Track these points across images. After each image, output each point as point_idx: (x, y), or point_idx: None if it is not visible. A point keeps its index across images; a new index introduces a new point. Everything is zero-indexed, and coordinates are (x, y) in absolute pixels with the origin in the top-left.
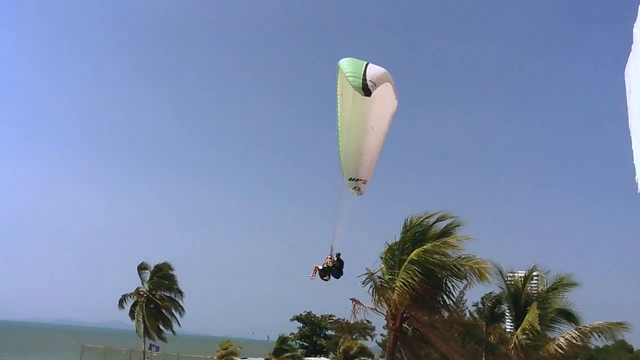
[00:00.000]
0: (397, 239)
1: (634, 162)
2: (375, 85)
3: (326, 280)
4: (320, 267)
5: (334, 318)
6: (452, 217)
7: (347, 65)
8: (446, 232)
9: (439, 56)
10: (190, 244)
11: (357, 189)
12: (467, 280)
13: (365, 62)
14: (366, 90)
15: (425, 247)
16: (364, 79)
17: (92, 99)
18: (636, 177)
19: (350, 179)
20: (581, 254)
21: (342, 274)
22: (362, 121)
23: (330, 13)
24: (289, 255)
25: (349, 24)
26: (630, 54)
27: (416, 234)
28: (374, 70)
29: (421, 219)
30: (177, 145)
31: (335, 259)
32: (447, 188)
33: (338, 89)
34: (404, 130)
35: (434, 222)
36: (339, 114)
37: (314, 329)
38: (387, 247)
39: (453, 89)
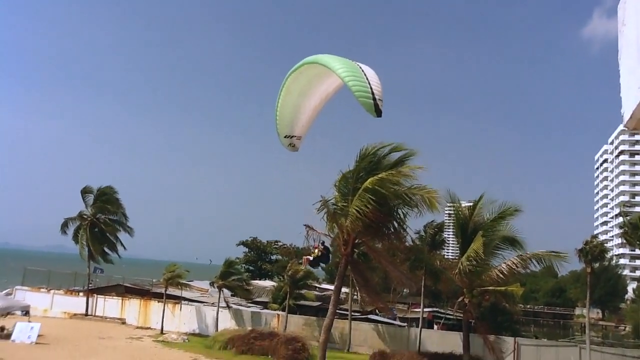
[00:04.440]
0: (351, 168)
1: (621, 94)
2: (382, 102)
3: (315, 268)
4: (311, 258)
5: (279, 244)
6: (405, 149)
7: (348, 74)
8: (399, 163)
9: None
10: (134, 171)
11: (292, 145)
12: (417, 208)
13: (360, 69)
14: (378, 112)
15: (380, 175)
16: (374, 97)
17: (27, 23)
18: (622, 110)
19: (285, 137)
20: (523, 187)
21: (329, 260)
22: (306, 94)
23: None
24: (234, 184)
25: None
26: None
27: (370, 162)
28: (375, 82)
29: (375, 149)
30: (123, 73)
31: (322, 247)
32: (399, 122)
33: (294, 75)
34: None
35: (388, 153)
36: (283, 89)
37: (259, 254)
38: (341, 175)
39: (402, 26)
